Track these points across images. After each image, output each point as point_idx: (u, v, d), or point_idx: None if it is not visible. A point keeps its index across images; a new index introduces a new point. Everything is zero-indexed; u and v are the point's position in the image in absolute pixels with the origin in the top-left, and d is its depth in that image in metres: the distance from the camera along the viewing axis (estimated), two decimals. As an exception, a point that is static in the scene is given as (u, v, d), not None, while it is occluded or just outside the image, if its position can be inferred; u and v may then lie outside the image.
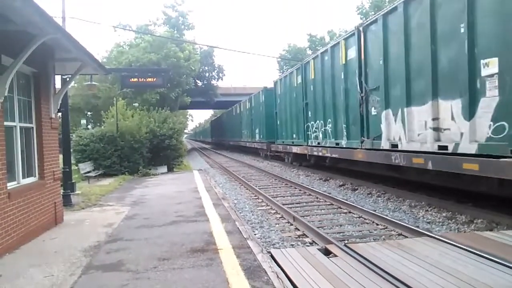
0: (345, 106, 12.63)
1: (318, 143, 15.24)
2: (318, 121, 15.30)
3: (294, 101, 18.45)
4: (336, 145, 13.55)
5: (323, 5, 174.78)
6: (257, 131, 28.03)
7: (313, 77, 15.67)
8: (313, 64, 15.68)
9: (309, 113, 16.29)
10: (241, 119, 34.40)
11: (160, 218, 8.67)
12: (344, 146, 12.84)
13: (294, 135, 18.72)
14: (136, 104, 28.02)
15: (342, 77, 12.69)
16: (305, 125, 16.75)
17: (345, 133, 12.78)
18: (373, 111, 10.98)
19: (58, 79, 10.49)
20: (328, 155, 14.10)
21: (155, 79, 15.41)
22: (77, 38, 6.92)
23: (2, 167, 6.06)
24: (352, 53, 12.08)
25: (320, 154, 14.91)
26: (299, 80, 17.43)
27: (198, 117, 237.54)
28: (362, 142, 11.45)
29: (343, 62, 12.62)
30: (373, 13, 34.73)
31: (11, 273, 5.29)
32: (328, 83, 14.03)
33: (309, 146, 16.29)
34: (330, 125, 14.09)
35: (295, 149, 18.55)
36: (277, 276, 4.75)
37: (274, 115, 22.25)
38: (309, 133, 16.35)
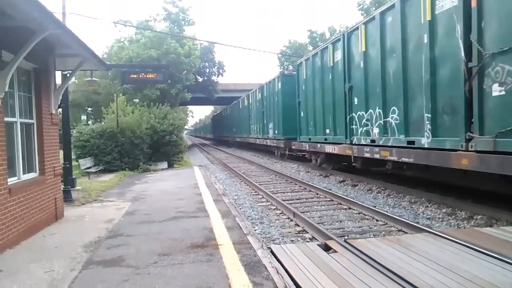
0: (430, 85, 8.51)
1: (372, 141, 11.10)
2: (371, 110, 11.18)
3: (328, 86, 14.11)
4: (408, 144, 9.42)
5: (324, 1, 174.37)
6: (270, 125, 23.79)
7: (363, 49, 11.44)
8: (363, 32, 11.38)
9: (355, 100, 12.17)
10: (250, 112, 30.34)
11: (160, 214, 8.68)
12: (427, 146, 8.72)
13: (328, 130, 14.37)
14: (137, 100, 28.01)
15: (426, 41, 8.58)
16: (348, 117, 12.56)
17: (428, 126, 8.64)
18: (497, 90, 6.91)
19: (58, 75, 10.50)
20: (393, 158, 9.97)
21: (155, 75, 15.46)
22: (78, 34, 6.91)
23: (3, 163, 6.07)
24: (449, 1, 7.97)
25: (377, 156, 10.75)
26: (338, 57, 13.20)
27: (199, 113, 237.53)
28: (468, 140, 7.42)
29: (428, 17, 8.53)
30: (374, 9, 34.51)
31: (12, 268, 5.30)
32: (394, 54, 9.94)
33: (355, 145, 12.13)
34: (395, 115, 10.01)
35: (329, 148, 14.11)
36: (277, 272, 4.77)
37: (296, 106, 17.94)
38: (354, 127, 12.20)
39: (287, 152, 21.37)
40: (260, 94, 26.55)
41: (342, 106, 13.06)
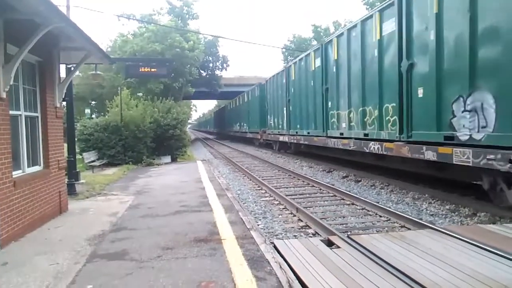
0: None
1: None
2: None
3: None
4: None
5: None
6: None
7: None
8: None
9: None
10: (333, 82, 14.15)
11: (164, 207, 8.71)
12: None
13: None
14: (140, 94, 28.01)
15: None
16: None
17: None
18: None
19: (62, 68, 10.51)
20: None
21: (159, 69, 15.45)
22: (82, 27, 6.92)
23: (8, 156, 6.10)
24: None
25: None
26: None
27: (202, 108, 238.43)
28: None
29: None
30: (378, 3, 34.23)
31: (17, 260, 5.34)
32: None
33: None
34: None
35: None
36: (280, 267, 4.78)
37: None
38: None
39: None
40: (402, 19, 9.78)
41: None
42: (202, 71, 47.37)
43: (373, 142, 11.13)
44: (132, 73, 16.16)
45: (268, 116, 25.24)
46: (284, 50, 57.80)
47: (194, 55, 34.69)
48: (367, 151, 11.49)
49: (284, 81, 20.80)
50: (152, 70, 15.41)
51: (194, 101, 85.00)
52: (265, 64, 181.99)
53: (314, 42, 51.04)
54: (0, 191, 5.84)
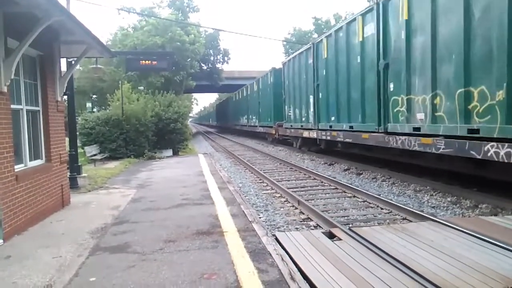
0: None
1: None
2: None
3: None
4: None
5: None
6: None
7: None
8: None
9: None
10: None
11: (165, 201, 8.73)
12: None
13: None
14: (142, 88, 27.98)
15: None
16: None
17: None
18: None
19: (63, 62, 10.50)
20: None
21: (159, 62, 15.43)
22: (82, 21, 6.89)
23: (10, 150, 6.11)
24: None
25: None
26: None
27: (203, 101, 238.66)
28: None
29: None
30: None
31: (20, 254, 5.37)
32: None
33: None
34: None
35: None
36: (282, 259, 4.80)
37: None
38: None
39: None
40: None
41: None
42: (203, 65, 47.26)
43: (492, 144, 6.92)
44: (133, 66, 16.16)
45: (286, 107, 20.73)
46: (285, 43, 57.68)
47: (195, 48, 34.61)
48: (478, 157, 7.21)
49: (311, 61, 16.25)
50: (153, 63, 15.41)
51: (195, 95, 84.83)
52: (266, 58, 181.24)
53: (315, 35, 50.85)
54: (2, 185, 5.85)
